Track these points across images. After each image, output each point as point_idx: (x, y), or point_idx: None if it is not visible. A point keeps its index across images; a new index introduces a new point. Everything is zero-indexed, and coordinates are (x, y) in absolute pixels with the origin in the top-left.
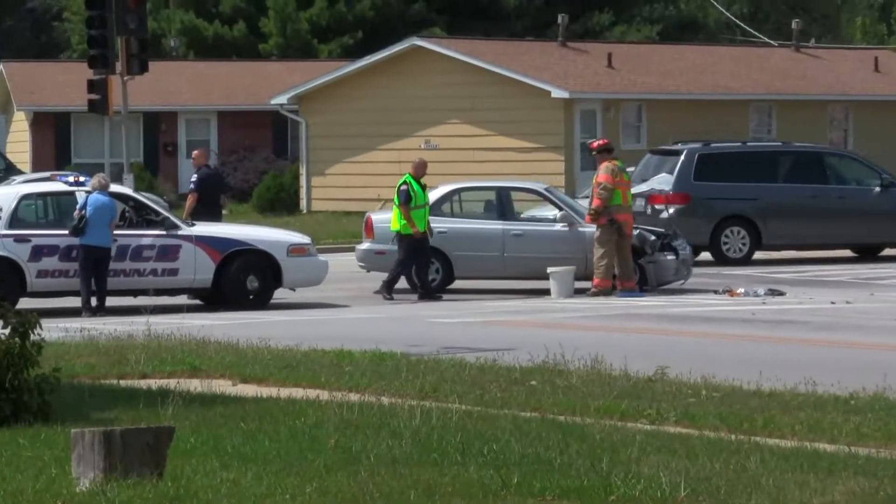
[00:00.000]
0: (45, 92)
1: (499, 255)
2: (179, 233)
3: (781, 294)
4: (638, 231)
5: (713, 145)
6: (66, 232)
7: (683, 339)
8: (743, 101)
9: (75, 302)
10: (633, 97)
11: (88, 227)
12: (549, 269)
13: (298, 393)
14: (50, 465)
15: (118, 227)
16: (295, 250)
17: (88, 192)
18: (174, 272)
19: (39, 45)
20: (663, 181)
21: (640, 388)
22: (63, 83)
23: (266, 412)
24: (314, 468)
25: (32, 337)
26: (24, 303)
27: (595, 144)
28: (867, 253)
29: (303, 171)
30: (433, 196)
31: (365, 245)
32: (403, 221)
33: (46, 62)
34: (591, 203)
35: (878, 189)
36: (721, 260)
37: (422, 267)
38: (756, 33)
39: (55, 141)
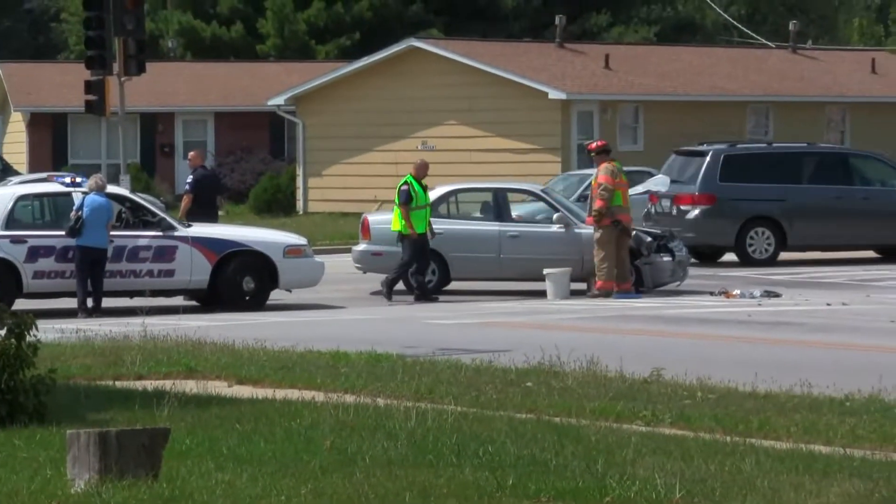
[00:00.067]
0: (42, 93)
1: (495, 257)
2: (176, 234)
3: (777, 296)
4: (634, 232)
5: (739, 146)
6: (63, 233)
7: (679, 341)
8: (740, 103)
9: (71, 303)
10: (631, 98)
11: (85, 228)
12: (546, 271)
13: (294, 394)
14: (45, 467)
15: (114, 228)
16: (291, 251)
17: (85, 193)
18: (170, 273)
19: (37, 45)
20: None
21: (635, 390)
22: (60, 84)
23: (262, 413)
24: (310, 469)
25: (28, 338)
26: (21, 304)
27: (593, 146)
28: (891, 254)
29: (300, 172)
30: (430, 197)
31: (361, 246)
32: (404, 221)
33: (44, 63)
34: (591, 204)
35: None
36: (746, 261)
37: (419, 269)
38: (753, 35)
39: (52, 142)
